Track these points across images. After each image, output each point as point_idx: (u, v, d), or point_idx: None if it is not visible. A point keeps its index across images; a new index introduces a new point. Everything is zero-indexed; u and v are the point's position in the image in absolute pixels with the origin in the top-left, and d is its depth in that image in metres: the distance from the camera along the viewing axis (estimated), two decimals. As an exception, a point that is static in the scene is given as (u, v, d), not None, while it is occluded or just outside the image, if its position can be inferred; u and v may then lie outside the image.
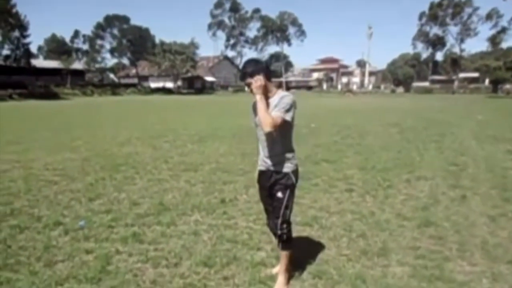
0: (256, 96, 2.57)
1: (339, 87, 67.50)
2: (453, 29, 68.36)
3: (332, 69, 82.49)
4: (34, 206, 4.61)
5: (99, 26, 66.70)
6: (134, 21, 68.67)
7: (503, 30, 56.23)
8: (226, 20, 76.04)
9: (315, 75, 78.29)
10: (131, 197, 4.96)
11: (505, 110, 21.37)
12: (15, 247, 3.44)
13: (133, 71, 70.51)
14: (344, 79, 78.86)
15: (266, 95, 2.63)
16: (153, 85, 63.00)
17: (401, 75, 72.35)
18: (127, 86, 58.81)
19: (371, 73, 76.25)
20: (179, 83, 63.22)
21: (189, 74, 61.29)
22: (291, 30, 76.48)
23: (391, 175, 6.08)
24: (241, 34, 76.80)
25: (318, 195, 5.09)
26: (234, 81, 73.03)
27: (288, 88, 69.67)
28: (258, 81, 2.55)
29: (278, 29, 75.42)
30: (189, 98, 40.33)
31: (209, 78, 67.15)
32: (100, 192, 5.22)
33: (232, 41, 76.96)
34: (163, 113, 19.68)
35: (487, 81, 63.81)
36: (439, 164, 6.95)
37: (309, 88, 68.51)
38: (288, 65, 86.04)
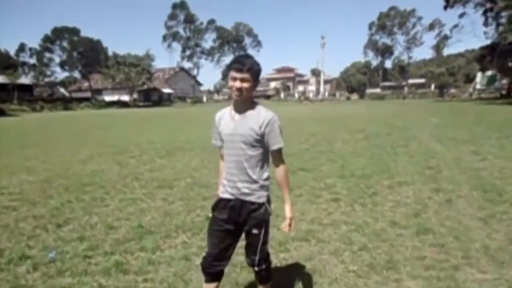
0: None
1: (296, 95, 68.49)
2: (401, 38, 72.14)
3: (288, 78, 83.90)
4: (-8, 238, 4.05)
5: (47, 39, 63.56)
6: (85, 33, 66.29)
7: (445, 37, 59.98)
8: (181, 31, 75.34)
9: (273, 84, 79.15)
10: (105, 221, 4.51)
11: (454, 113, 22.50)
12: (-26, 290, 2.94)
13: (86, 84, 67.73)
14: (301, 88, 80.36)
15: (245, 101, 2.22)
16: (108, 98, 60.73)
17: (355, 82, 75.08)
18: (80, 100, 56.18)
19: (326, 81, 78.30)
20: (135, 95, 61.42)
21: (145, 87, 59.72)
22: (247, 40, 77.26)
23: (372, 182, 6.03)
24: (197, 45, 76.28)
25: (305, 207, 4.90)
26: (191, 92, 72.23)
27: (246, 98, 69.90)
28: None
29: (234, 39, 75.83)
30: (147, 111, 39.13)
31: (166, 90, 65.83)
32: (68, 216, 4.71)
33: (188, 52, 76.20)
34: (123, 127, 18.83)
35: (433, 86, 67.61)
36: (414, 168, 7.02)
37: (267, 97, 68.95)
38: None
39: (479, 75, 56.50)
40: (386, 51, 75.90)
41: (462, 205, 4.75)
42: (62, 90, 72.46)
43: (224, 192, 2.35)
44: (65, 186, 6.29)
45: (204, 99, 67.83)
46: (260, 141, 2.21)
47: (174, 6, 72.51)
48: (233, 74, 2.15)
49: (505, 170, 6.61)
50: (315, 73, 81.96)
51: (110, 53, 62.96)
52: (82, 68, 66.20)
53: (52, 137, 14.92)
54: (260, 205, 2.31)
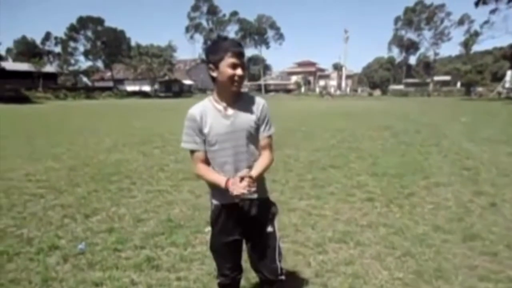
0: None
1: (317, 90, 67.81)
2: (427, 34, 70.18)
3: (310, 72, 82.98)
4: (21, 226, 3.99)
5: (72, 28, 64.54)
6: (109, 23, 66.99)
7: (476, 33, 57.96)
8: (204, 23, 75.35)
9: (293, 78, 78.48)
10: (133, 213, 4.40)
11: (484, 112, 21.72)
12: (4, 281, 2.85)
13: (108, 74, 68.61)
14: (322, 82, 79.44)
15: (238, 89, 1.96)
16: (129, 88, 61.47)
17: (377, 78, 73.62)
18: (102, 89, 57.03)
19: (348, 76, 77.10)
20: (156, 86, 61.92)
21: (167, 78, 60.15)
22: (270, 33, 76.59)
23: (407, 182, 5.74)
24: (219, 37, 76.10)
25: (339, 205, 4.68)
26: (212, 84, 72.04)
27: (267, 91, 69.60)
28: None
29: (256, 32, 75.29)
30: (168, 102, 39.34)
31: (187, 81, 66.09)
32: (95, 206, 4.63)
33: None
34: (145, 117, 18.89)
35: (458, 84, 65.67)
36: (450, 169, 6.69)
37: (288, 91, 68.57)
38: (266, 68, 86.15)
39: (509, 74, 54.46)
40: (411, 46, 74.07)
41: (509, 210, 4.43)
42: (85, 79, 73.76)
43: (225, 198, 1.96)
44: (90, 175, 6.24)
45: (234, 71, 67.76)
46: (258, 130, 2.04)
47: (197, -3, 72.50)
48: (233, 60, 1.84)
49: (549, 174, 6.21)
50: (337, 67, 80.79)
51: (133, 43, 63.53)
52: (105, 58, 67.02)
53: (76, 125, 15.07)
54: (267, 199, 2.12)
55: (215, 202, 2.08)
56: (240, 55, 1.86)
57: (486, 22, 48.75)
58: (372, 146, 9.26)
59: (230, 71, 1.85)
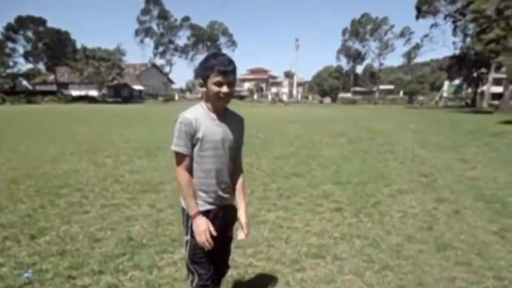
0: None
1: (270, 97, 68.47)
2: (373, 44, 73.72)
3: (262, 79, 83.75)
4: (-48, 252, 3.42)
5: (9, 28, 60.15)
6: (52, 24, 63.27)
7: (417, 46, 61.75)
8: (154, 27, 73.49)
9: (246, 85, 78.76)
10: (87, 231, 3.96)
11: (428, 120, 22.98)
12: None
13: (51, 77, 64.65)
14: (274, 89, 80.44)
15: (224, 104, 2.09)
16: (75, 93, 58.20)
17: (327, 86, 75.94)
18: (45, 93, 53.49)
19: (299, 84, 78.85)
20: (104, 91, 59.30)
21: (115, 82, 57.74)
22: (222, 39, 76.44)
23: (372, 190, 5.77)
24: (170, 42, 74.61)
25: (308, 216, 4.55)
26: (163, 90, 70.63)
27: (219, 98, 69.13)
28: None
29: (208, 38, 74.79)
30: (117, 107, 37.66)
31: (137, 87, 63.92)
32: (42, 225, 4.12)
33: (161, 49, 74.33)
34: (93, 124, 17.84)
35: (401, 93, 69.56)
36: (408, 175, 6.85)
37: (241, 97, 68.46)
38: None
39: (446, 84, 58.61)
40: (358, 56, 77.41)
41: (471, 217, 4.54)
42: (25, 82, 68.87)
43: (204, 204, 2.08)
44: (36, 189, 5.64)
45: (176, 97, 66.46)
46: (239, 146, 2.22)
47: (148, 1, 70.65)
48: (219, 78, 1.93)
49: (499, 180, 6.54)
50: (288, 75, 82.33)
51: (78, 46, 60.41)
52: (48, 60, 63.15)
53: (16, 132, 13.86)
54: (234, 207, 2.23)
55: (193, 211, 2.03)
56: (225, 73, 1.93)
57: (426, 35, 52.10)
58: (331, 153, 9.33)
59: (215, 89, 1.95)
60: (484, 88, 42.46)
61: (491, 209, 4.85)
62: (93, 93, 57.65)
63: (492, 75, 38.57)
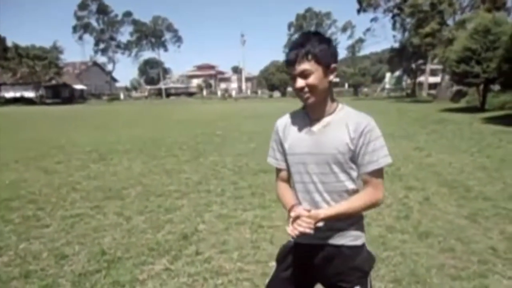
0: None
1: (219, 93, 67.92)
2: (317, 39, 75.61)
3: (210, 75, 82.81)
4: None
5: None
6: (-23, 20, 57.78)
7: (361, 40, 64.35)
8: (94, 23, 69.87)
9: (194, 81, 77.44)
10: (51, 247, 3.57)
11: (376, 110, 23.95)
12: None
13: (-21, 78, 59.27)
14: (223, 85, 79.96)
15: (321, 104, 1.49)
16: (8, 95, 53.82)
17: (276, 80, 76.72)
18: (-28, 96, 49.05)
19: (248, 79, 79.07)
20: (42, 92, 55.42)
21: (54, 82, 54.15)
22: (167, 35, 74.40)
23: (342, 182, 5.81)
24: (112, 38, 71.40)
25: (285, 214, 4.45)
26: (107, 89, 67.52)
27: (168, 95, 67.50)
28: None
29: (152, 34, 72.46)
30: (58, 109, 35.33)
31: (78, 86, 60.38)
32: (-3, 245, 3.66)
33: (102, 46, 70.95)
34: (34, 127, 16.54)
35: (346, 85, 72.14)
36: (372, 165, 7.00)
37: (190, 94, 67.31)
38: (166, 72, 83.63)
39: (387, 76, 61.63)
40: (303, 51, 79.05)
41: (441, 203, 4.71)
42: None
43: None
44: (-19, 203, 5.03)
45: (122, 96, 63.83)
46: (355, 161, 1.48)
47: (85, -5, 66.95)
48: (290, 70, 1.44)
49: (455, 165, 6.89)
50: (237, 70, 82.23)
51: (9, 43, 55.84)
52: (-25, 60, 57.76)
53: None
54: (359, 248, 1.55)
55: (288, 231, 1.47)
56: (291, 62, 1.42)
57: (368, 29, 54.32)
58: (293, 148, 9.33)
59: (293, 83, 1.46)
60: (422, 78, 45.18)
61: (456, 194, 5.06)
62: (30, 94, 53.63)
63: (429, 66, 41.09)
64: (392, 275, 2.93)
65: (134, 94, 75.29)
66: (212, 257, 3.32)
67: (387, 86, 61.98)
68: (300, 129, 1.54)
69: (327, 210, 1.45)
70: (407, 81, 56.80)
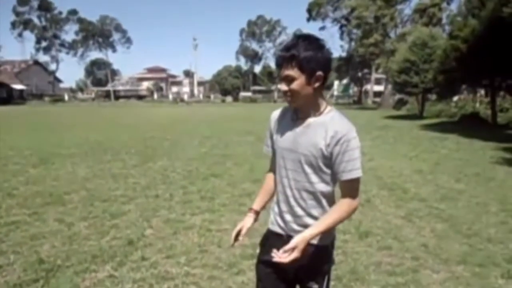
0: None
1: (170, 96, 66.78)
2: (269, 45, 76.96)
3: (161, 79, 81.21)
4: None
5: None
6: None
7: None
8: (35, 20, 65.95)
9: (145, 84, 75.52)
10: (-17, 258, 3.33)
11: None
12: None
13: None
14: (175, 89, 78.77)
15: (305, 107, 1.53)
16: None
17: (228, 85, 76.90)
18: None
19: (200, 83, 78.45)
20: (-25, 91, 51.25)
21: (-11, 81, 50.38)
22: (115, 36, 72.03)
23: (290, 185, 5.97)
24: (56, 36, 67.82)
25: (235, 217, 4.49)
26: (50, 90, 63.81)
27: (116, 98, 65.17)
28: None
29: (100, 34, 69.77)
30: (-7, 110, 32.88)
31: (18, 86, 56.49)
32: None
33: (44, 44, 67.15)
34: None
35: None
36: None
37: (140, 97, 65.50)
38: (114, 73, 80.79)
39: (336, 83, 63.97)
40: (255, 56, 79.98)
41: (381, 205, 5.00)
42: None
43: (273, 224, 1.67)
44: None
45: (66, 97, 60.65)
46: (329, 166, 1.51)
47: (26, -10, 63.00)
48: (277, 71, 1.50)
49: (394, 169, 7.34)
50: (188, 74, 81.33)
51: None
52: None
53: None
54: (324, 248, 1.60)
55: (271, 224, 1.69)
56: (278, 65, 1.46)
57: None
58: (243, 152, 9.43)
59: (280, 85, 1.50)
60: (368, 87, 47.47)
61: (395, 196, 5.40)
62: (-39, 94, 49.43)
63: (374, 75, 43.30)
64: (334, 273, 3.04)
65: (80, 95, 71.89)
66: (159, 262, 3.28)
67: (336, 93, 64.36)
68: (286, 124, 1.60)
69: (311, 230, 1.46)
70: (354, 89, 59.38)
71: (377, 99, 43.81)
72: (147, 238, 3.83)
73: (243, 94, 71.80)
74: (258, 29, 77.13)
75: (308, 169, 1.52)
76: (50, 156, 8.53)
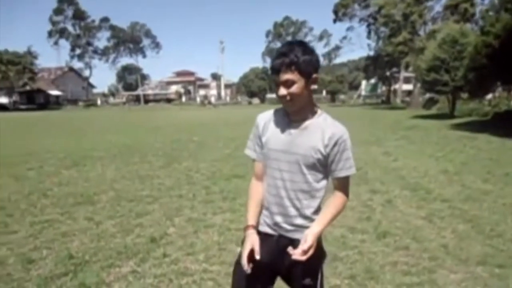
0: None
1: (198, 99, 67.86)
2: (295, 46, 76.65)
3: (189, 82, 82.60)
4: None
5: None
6: None
7: (337, 47, 65.82)
8: (70, 28, 68.71)
9: (173, 87, 77.08)
10: (18, 252, 3.59)
11: (351, 117, 24.48)
12: None
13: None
14: (202, 92, 79.89)
15: (301, 110, 1.60)
16: (-21, 100, 52.28)
17: (255, 87, 77.22)
18: None
19: (227, 86, 79.22)
20: (15, 97, 54.00)
21: (28, 88, 52.92)
22: (145, 41, 74.06)
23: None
24: (89, 44, 70.39)
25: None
26: (83, 95, 66.31)
27: (146, 101, 66.87)
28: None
29: (130, 40, 71.89)
30: (32, 115, 34.51)
31: (54, 92, 59.11)
32: (-38, 251, 3.65)
33: (78, 51, 69.81)
34: (7, 134, 16.16)
35: (324, 92, 73.29)
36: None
37: (169, 101, 66.93)
38: (144, 78, 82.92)
39: (363, 83, 62.97)
40: (281, 58, 79.93)
41: (402, 205, 4.96)
42: None
43: (263, 224, 1.70)
44: None
45: (99, 102, 62.85)
46: (324, 165, 1.60)
47: (61, 0, 65.75)
48: (274, 77, 1.55)
49: (419, 169, 7.21)
50: (216, 77, 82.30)
51: (-20, 48, 54.22)
52: None
53: None
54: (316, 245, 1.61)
55: (250, 223, 1.69)
56: (276, 70, 1.52)
57: (344, 37, 55.64)
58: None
59: (276, 90, 1.56)
60: (397, 86, 46.44)
61: (417, 196, 5.34)
62: (2, 100, 52.21)
63: (403, 74, 42.32)
64: (348, 272, 3.11)
65: (111, 100, 74.26)
66: (179, 259, 3.43)
67: (363, 93, 63.42)
68: (279, 127, 1.65)
69: (318, 226, 1.56)
70: (382, 88, 58.24)
71: (406, 99, 42.80)
72: (169, 236, 3.99)
73: (269, 96, 71.89)
74: (284, 30, 77.01)
75: (305, 170, 1.59)
76: (82, 159, 8.93)
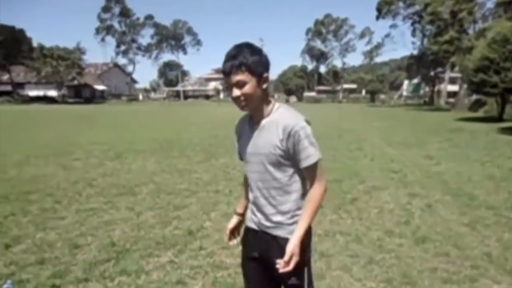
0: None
1: (236, 96, 68.47)
2: (335, 44, 75.37)
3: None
4: None
5: (-43, 24, 56.36)
6: (4, 21, 59.78)
7: (378, 45, 64.01)
8: (116, 25, 71.39)
9: (212, 84, 78.23)
10: (65, 237, 3.82)
11: (391, 118, 23.84)
12: None
13: (6, 77, 61.20)
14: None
15: (257, 109, 1.63)
16: (32, 93, 55.47)
17: (293, 85, 76.88)
18: (-2, 94, 50.73)
19: (265, 83, 79.32)
20: (64, 91, 56.94)
21: (75, 82, 55.62)
22: (187, 38, 75.52)
23: (347, 187, 5.93)
24: (133, 40, 72.77)
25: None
26: (126, 90, 68.76)
27: (185, 97, 68.35)
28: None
29: (172, 37, 73.66)
30: (79, 108, 36.29)
31: (99, 87, 61.79)
32: (16, 233, 3.93)
33: (123, 48, 72.33)
34: (56, 125, 17.10)
35: (363, 92, 71.63)
36: (380, 172, 7.08)
37: (207, 97, 68.12)
38: (184, 74, 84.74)
39: (405, 83, 60.92)
40: (321, 56, 78.86)
41: (443, 210, 4.78)
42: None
43: (249, 221, 1.78)
44: (3, 195, 5.34)
45: (140, 97, 64.98)
46: (288, 159, 1.60)
47: (108, -1, 68.48)
48: (225, 80, 1.58)
49: (462, 174, 6.91)
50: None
51: (35, 44, 57.58)
52: (1, 59, 59.75)
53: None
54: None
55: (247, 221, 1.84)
56: (226, 73, 1.55)
57: (387, 35, 54.04)
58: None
59: (230, 93, 1.59)
60: (441, 86, 44.54)
61: (459, 202, 5.12)
62: (52, 93, 55.20)
63: (448, 74, 40.51)
64: (384, 275, 3.06)
65: (152, 95, 76.57)
66: (215, 252, 3.51)
67: (405, 93, 61.36)
68: (246, 131, 1.73)
69: (297, 232, 1.58)
70: (425, 89, 56.08)
71: (451, 100, 40.95)
72: (205, 230, 4.09)
73: (307, 94, 71.33)
74: (324, 28, 75.85)
75: (271, 168, 1.62)
76: (124, 152, 9.29)
